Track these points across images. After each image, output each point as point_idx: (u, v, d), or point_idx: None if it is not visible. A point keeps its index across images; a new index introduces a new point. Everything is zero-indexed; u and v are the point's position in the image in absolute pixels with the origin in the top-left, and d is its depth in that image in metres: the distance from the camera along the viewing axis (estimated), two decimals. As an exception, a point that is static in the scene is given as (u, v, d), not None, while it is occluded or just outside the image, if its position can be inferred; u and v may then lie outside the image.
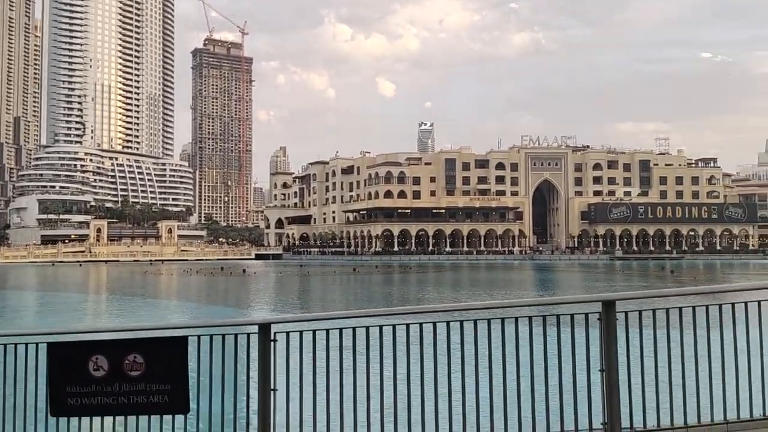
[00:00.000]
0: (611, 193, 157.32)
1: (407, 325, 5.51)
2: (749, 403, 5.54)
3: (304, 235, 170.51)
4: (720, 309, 5.59)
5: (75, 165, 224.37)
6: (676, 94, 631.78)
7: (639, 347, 5.48)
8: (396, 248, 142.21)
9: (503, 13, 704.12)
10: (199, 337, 5.49)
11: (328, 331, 5.48)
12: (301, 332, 5.47)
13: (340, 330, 5.52)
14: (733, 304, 5.61)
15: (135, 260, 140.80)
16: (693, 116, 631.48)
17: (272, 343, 5.26)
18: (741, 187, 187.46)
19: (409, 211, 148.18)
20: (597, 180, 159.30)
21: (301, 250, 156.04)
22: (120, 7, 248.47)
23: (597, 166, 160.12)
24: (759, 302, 5.56)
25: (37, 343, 5.73)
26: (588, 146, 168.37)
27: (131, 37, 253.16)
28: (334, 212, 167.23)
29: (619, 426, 5.19)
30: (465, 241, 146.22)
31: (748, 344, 5.55)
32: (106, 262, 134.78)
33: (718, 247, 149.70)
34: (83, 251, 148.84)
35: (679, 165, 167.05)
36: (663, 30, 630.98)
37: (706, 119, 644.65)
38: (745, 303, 5.59)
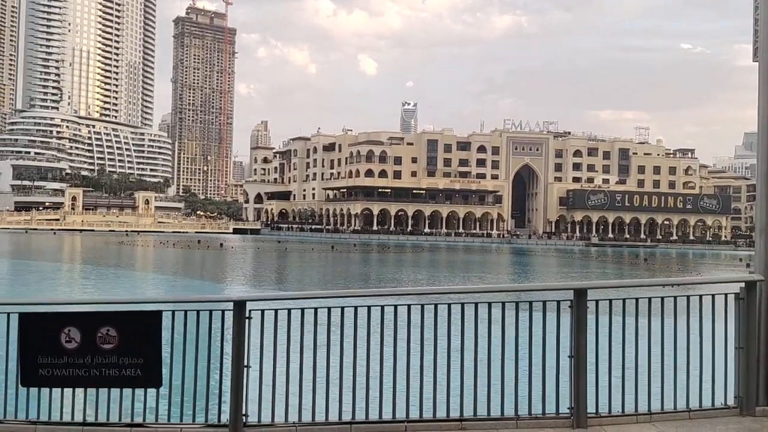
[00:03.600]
0: (590, 180, 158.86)
1: (382, 307, 5.56)
2: (711, 392, 5.71)
3: (283, 211, 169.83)
4: (687, 300, 5.74)
5: (51, 131, 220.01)
6: (655, 83, 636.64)
7: (608, 335, 5.60)
8: (375, 227, 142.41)
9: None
10: (173, 312, 5.49)
11: (303, 310, 5.52)
12: (276, 310, 5.49)
13: (315, 309, 5.56)
14: (700, 296, 5.76)
15: (110, 230, 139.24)
16: (671, 106, 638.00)
17: (247, 320, 5.28)
18: (717, 178, 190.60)
19: (389, 190, 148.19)
20: (577, 166, 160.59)
21: (280, 226, 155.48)
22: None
23: (577, 153, 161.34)
24: (726, 295, 5.70)
25: (8, 313, 5.68)
26: (569, 133, 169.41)
27: (112, 1, 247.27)
28: (314, 189, 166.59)
29: (585, 411, 5.32)
30: (444, 222, 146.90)
31: (713, 335, 5.71)
32: (80, 231, 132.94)
33: (692, 237, 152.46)
34: (57, 219, 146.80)
35: (658, 155, 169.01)
36: (642, 18, 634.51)
37: (685, 110, 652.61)
38: (712, 295, 5.74)
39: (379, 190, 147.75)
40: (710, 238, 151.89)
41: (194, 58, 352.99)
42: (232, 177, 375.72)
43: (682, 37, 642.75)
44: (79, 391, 5.42)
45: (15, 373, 5.26)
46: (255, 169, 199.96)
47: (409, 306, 5.56)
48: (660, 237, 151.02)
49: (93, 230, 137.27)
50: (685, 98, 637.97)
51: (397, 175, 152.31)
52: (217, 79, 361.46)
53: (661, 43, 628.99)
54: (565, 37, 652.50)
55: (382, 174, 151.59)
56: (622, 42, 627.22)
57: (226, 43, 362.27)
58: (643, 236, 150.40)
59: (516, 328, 5.49)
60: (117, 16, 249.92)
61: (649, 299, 5.74)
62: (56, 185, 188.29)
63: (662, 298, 5.70)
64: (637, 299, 5.71)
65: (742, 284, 5.61)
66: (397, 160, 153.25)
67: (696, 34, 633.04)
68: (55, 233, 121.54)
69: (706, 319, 5.67)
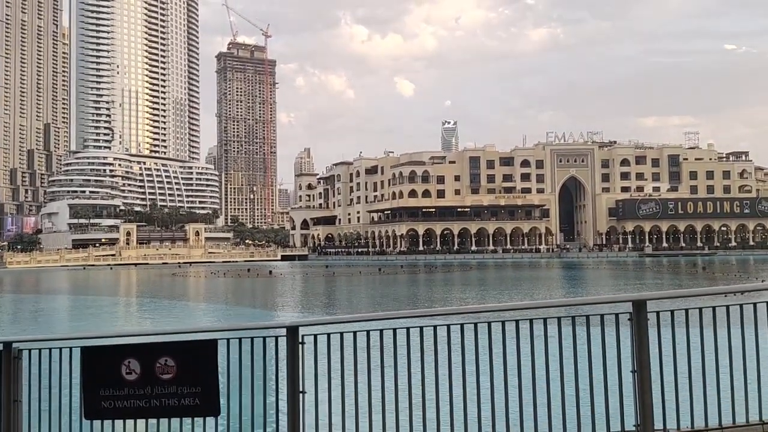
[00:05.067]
0: (639, 188, 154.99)
1: (435, 327, 5.49)
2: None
3: (329, 235, 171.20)
4: (754, 307, 5.47)
5: (104, 170, 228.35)
6: (699, 87, 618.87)
7: (671, 347, 5.38)
8: (421, 248, 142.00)
9: (519, 9, 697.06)
10: (228, 340, 5.55)
11: (355, 333, 5.49)
12: (328, 335, 5.49)
13: (368, 332, 5.52)
14: (767, 303, 5.48)
15: (163, 263, 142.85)
16: (719, 109, 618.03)
17: (300, 345, 5.29)
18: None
19: (433, 210, 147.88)
20: (625, 176, 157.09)
21: (327, 250, 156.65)
22: (145, 14, 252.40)
23: (624, 162, 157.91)
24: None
25: (71, 348, 5.84)
26: (615, 142, 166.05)
27: (157, 42, 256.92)
28: (358, 212, 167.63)
29: (651, 428, 5.11)
30: (491, 239, 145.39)
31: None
32: (135, 265, 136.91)
33: (751, 243, 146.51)
34: (113, 255, 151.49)
35: (710, 159, 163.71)
36: (682, 22, 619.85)
37: (733, 112, 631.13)
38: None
39: (423, 210, 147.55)
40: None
41: (237, 91, 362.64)
42: (278, 205, 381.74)
43: (725, 38, 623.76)
44: (141, 421, 5.51)
45: (79, 406, 5.39)
46: (300, 196, 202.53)
47: (461, 325, 5.47)
48: (718, 244, 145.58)
49: (147, 263, 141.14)
50: (732, 100, 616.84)
51: (441, 194, 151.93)
52: (260, 110, 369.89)
53: (704, 45, 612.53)
54: (603, 45, 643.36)
55: (426, 194, 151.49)
56: (663, 46, 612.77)
57: (266, 75, 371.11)
58: (699, 244, 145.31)
59: (574, 344, 5.33)
60: (162, 57, 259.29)
61: (713, 308, 5.50)
62: (111, 222, 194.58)
63: (727, 307, 5.46)
64: (700, 309, 5.48)
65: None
66: (440, 179, 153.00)
67: (739, 34, 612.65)
68: (111, 268, 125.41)
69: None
